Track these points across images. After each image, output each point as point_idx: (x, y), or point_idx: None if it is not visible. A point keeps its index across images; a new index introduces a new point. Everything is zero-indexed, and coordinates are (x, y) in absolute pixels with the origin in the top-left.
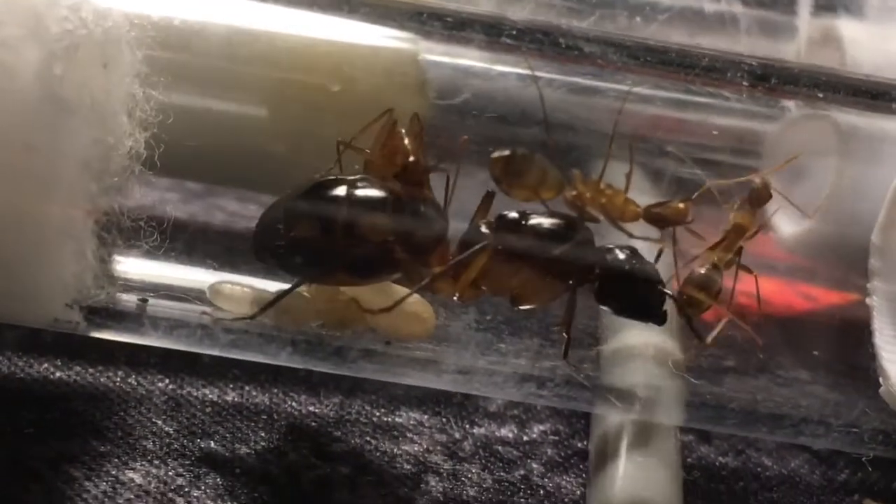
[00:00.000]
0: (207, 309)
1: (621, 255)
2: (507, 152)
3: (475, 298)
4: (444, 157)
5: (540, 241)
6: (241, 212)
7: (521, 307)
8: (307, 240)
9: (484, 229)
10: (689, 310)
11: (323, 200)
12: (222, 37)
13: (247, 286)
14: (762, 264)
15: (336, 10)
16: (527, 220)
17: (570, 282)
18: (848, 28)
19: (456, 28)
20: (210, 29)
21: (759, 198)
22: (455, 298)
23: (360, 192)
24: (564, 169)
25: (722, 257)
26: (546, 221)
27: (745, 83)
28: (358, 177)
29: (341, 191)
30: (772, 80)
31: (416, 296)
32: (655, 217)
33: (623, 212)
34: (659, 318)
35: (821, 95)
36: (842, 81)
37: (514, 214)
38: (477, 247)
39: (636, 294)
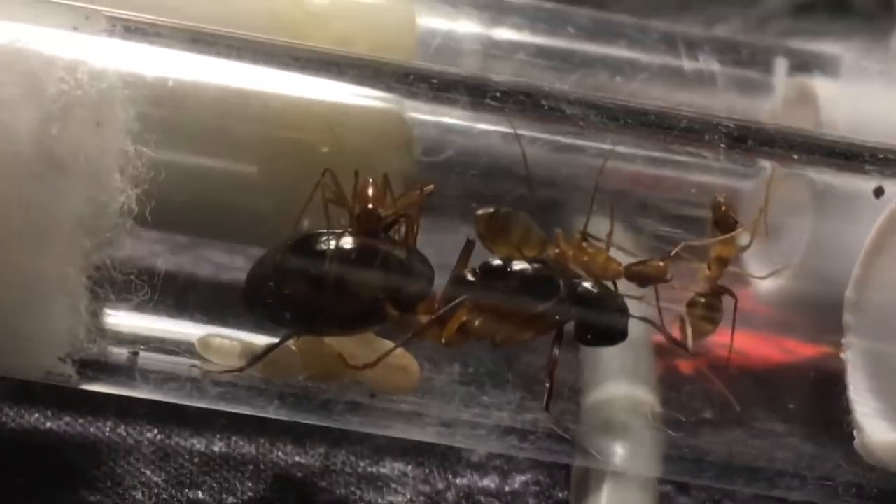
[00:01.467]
0: (196, 362)
1: (588, 287)
2: (491, 210)
3: (461, 343)
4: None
5: (522, 289)
6: (229, 264)
7: (503, 348)
8: (296, 293)
9: (469, 277)
10: (693, 334)
11: (311, 254)
12: (215, 97)
13: (235, 339)
14: (738, 318)
15: (326, 72)
16: (509, 269)
17: (552, 323)
18: (823, 88)
19: (441, 89)
20: (203, 89)
21: (724, 221)
22: (442, 344)
23: (347, 246)
24: (547, 225)
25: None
26: (527, 269)
27: (722, 145)
28: (346, 230)
29: (329, 244)
30: (748, 142)
31: (399, 349)
32: (636, 275)
33: (605, 270)
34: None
35: (796, 157)
36: (816, 143)
37: (496, 263)
38: (457, 301)
39: (605, 320)
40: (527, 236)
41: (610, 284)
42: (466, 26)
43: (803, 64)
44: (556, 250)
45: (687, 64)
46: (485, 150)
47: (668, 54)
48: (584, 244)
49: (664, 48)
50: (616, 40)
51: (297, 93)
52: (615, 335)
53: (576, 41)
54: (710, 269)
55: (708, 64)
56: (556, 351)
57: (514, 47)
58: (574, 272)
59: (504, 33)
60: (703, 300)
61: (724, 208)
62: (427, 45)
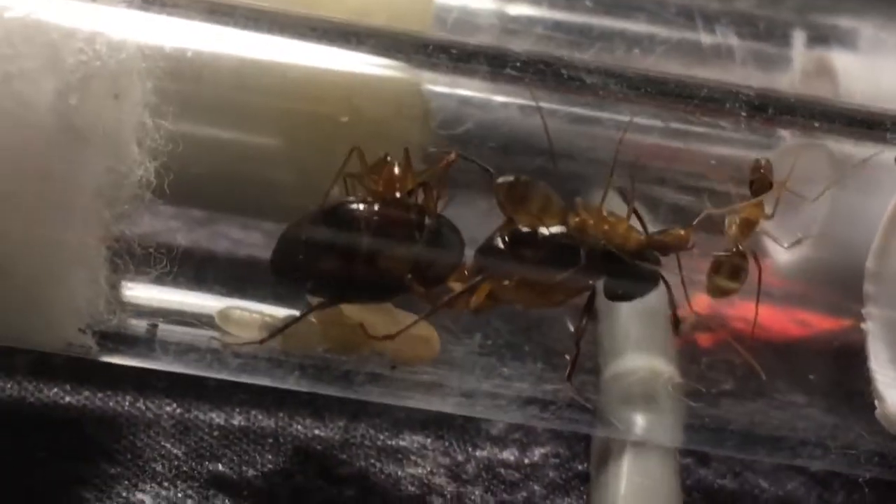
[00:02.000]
0: (216, 334)
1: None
2: (511, 178)
3: (490, 309)
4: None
5: (551, 254)
6: (245, 239)
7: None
8: (325, 262)
9: (498, 244)
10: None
11: (341, 224)
12: (232, 68)
13: (255, 311)
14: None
15: (344, 42)
16: (538, 234)
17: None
18: (841, 60)
19: (461, 60)
20: (221, 61)
21: (760, 183)
22: (470, 310)
23: (377, 216)
24: (566, 196)
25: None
26: (555, 234)
27: (742, 113)
28: (376, 200)
29: (359, 214)
30: (769, 111)
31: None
32: (658, 244)
33: (626, 239)
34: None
35: (817, 125)
36: (837, 111)
37: (525, 230)
38: (477, 279)
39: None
40: (547, 205)
41: None
42: (483, 1)
43: (821, 37)
44: (577, 219)
45: (704, 37)
46: (503, 123)
47: (685, 28)
48: (605, 213)
49: (682, 22)
50: (633, 14)
51: (314, 63)
52: (647, 283)
53: (593, 15)
54: (736, 229)
55: (725, 37)
56: (585, 320)
57: (531, 22)
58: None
59: (521, 8)
60: (728, 259)
61: (762, 170)
62: (443, 19)
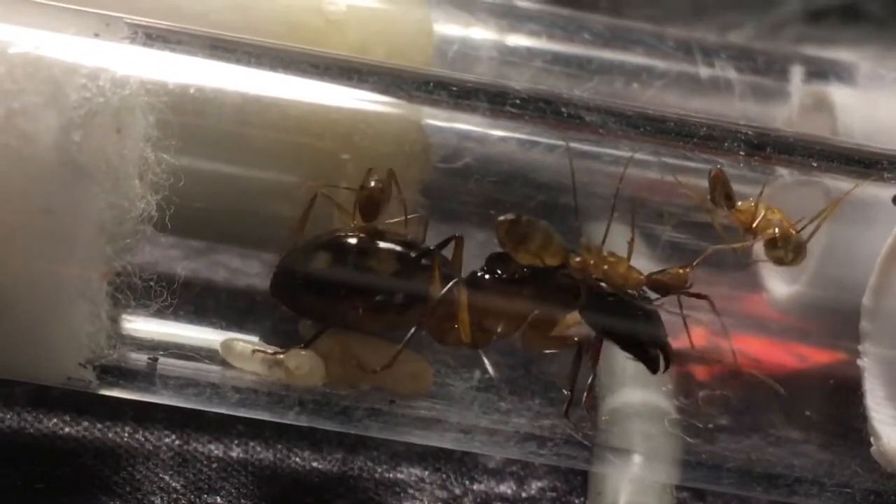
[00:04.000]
0: (216, 367)
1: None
2: (511, 217)
3: (487, 343)
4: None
5: (531, 276)
6: (244, 269)
7: (532, 350)
8: (320, 285)
9: (477, 271)
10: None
11: (337, 251)
12: (234, 104)
13: (258, 344)
14: (755, 325)
15: (345, 79)
16: (526, 273)
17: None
18: (839, 95)
19: (461, 97)
20: (223, 96)
21: (719, 191)
22: (466, 345)
23: (372, 245)
24: (567, 231)
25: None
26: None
27: (741, 152)
28: (373, 230)
29: (355, 243)
30: (767, 149)
31: (412, 355)
32: (657, 284)
33: (627, 279)
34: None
35: (815, 164)
36: (835, 150)
37: (502, 252)
38: (449, 284)
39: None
40: (547, 244)
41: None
42: (483, 33)
43: (819, 71)
44: (578, 259)
45: (703, 71)
46: (503, 158)
47: (684, 61)
48: (605, 253)
49: (680, 55)
50: (632, 47)
51: (316, 100)
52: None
53: (592, 48)
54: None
55: (724, 71)
56: (578, 363)
57: (530, 54)
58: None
59: (520, 40)
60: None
61: (716, 179)
62: (444, 52)
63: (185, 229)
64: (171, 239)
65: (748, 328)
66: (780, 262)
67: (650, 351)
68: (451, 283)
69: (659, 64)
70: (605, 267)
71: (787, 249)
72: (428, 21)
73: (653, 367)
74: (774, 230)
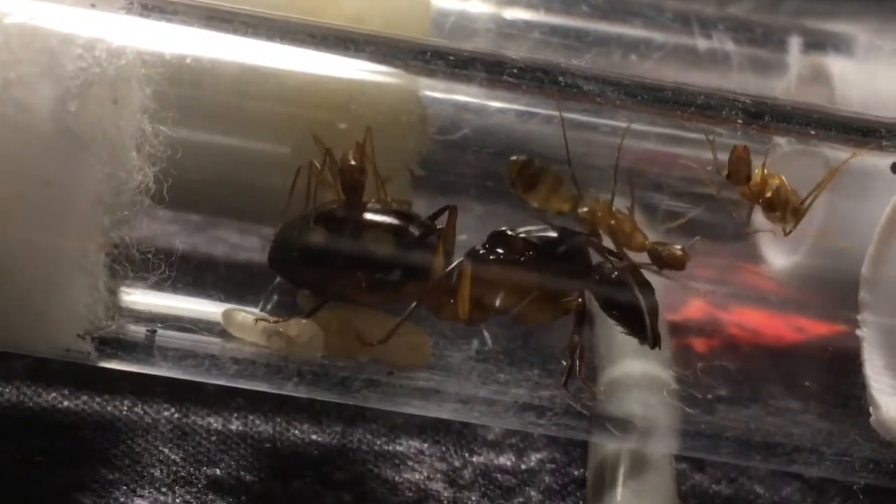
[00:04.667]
0: (215, 339)
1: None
2: (524, 158)
3: (483, 320)
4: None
5: (532, 255)
6: (243, 243)
7: (526, 325)
8: (314, 257)
9: (478, 248)
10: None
11: (332, 222)
12: (231, 74)
13: (259, 315)
14: (754, 297)
15: (343, 49)
16: (517, 234)
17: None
18: (837, 66)
19: (459, 66)
20: (219, 67)
21: (737, 171)
22: (463, 322)
23: (364, 216)
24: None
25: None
26: (538, 234)
27: (739, 121)
28: (370, 201)
29: (350, 214)
30: (765, 118)
31: (412, 327)
32: (656, 256)
33: (631, 239)
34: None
35: (812, 132)
36: (833, 119)
37: (505, 231)
38: (454, 264)
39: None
40: (557, 189)
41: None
42: (480, 5)
43: (817, 42)
44: (585, 209)
45: (701, 43)
46: (500, 129)
47: (682, 33)
48: (615, 209)
49: (678, 27)
50: (630, 19)
51: (313, 70)
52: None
53: (590, 20)
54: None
55: (722, 43)
56: (577, 335)
57: (528, 27)
58: (597, 247)
59: (518, 12)
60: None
61: (739, 158)
62: (440, 25)
63: (183, 202)
64: (169, 214)
65: (747, 300)
66: (778, 221)
67: (643, 325)
68: (456, 262)
69: (656, 36)
70: (612, 222)
71: (786, 211)
72: None
73: (646, 341)
74: (776, 193)
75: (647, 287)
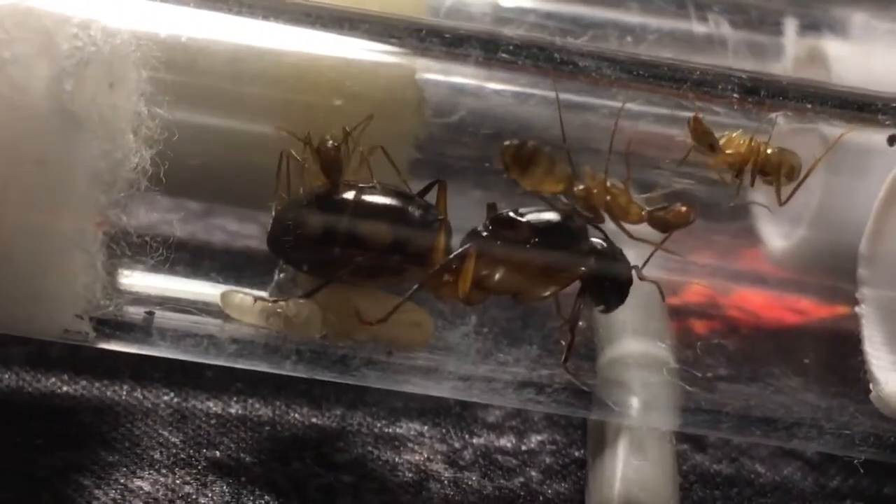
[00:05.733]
0: (214, 320)
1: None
2: (517, 142)
3: (482, 300)
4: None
5: (535, 238)
6: (241, 231)
7: (524, 303)
8: (313, 239)
9: (480, 230)
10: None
11: (329, 203)
12: (228, 53)
13: (258, 296)
14: (754, 278)
15: (338, 27)
16: (521, 217)
17: (574, 278)
18: (833, 47)
19: (454, 44)
20: (215, 46)
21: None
22: (461, 301)
23: (362, 198)
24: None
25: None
26: (541, 217)
27: (735, 95)
28: (367, 183)
29: (347, 195)
30: (761, 93)
31: (412, 305)
32: (659, 220)
33: (627, 212)
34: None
35: (809, 107)
36: (829, 94)
37: (508, 213)
38: (460, 249)
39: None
40: (551, 169)
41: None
42: None
43: (813, 24)
44: (581, 187)
45: (697, 26)
46: (497, 111)
47: (677, 17)
48: (609, 184)
49: (674, 10)
50: (626, 2)
51: (309, 49)
52: (615, 299)
53: (585, 4)
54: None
55: (718, 26)
56: (580, 305)
57: (523, 11)
58: (590, 221)
59: None
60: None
61: (695, 125)
62: (436, 9)
63: (179, 185)
64: (168, 202)
65: (746, 281)
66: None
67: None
68: (463, 247)
69: (652, 20)
70: (608, 197)
71: (779, 173)
72: None
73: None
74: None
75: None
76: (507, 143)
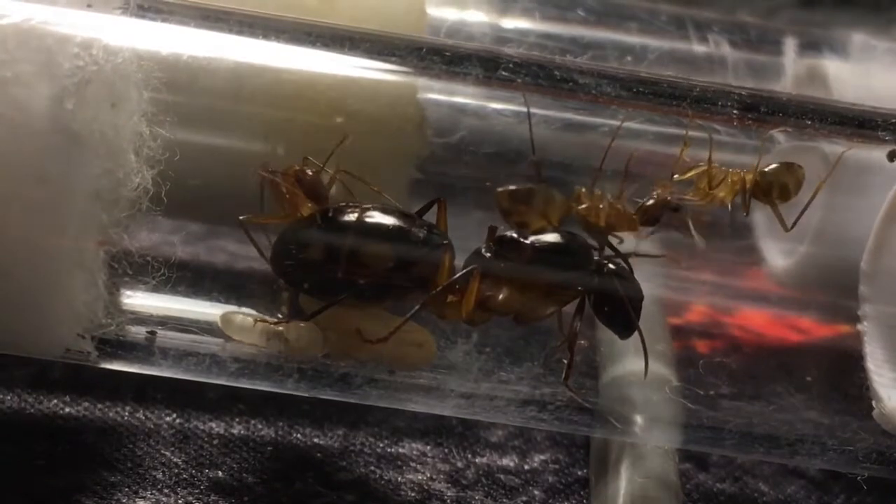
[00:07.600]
0: (216, 340)
1: (612, 268)
2: (511, 187)
3: (485, 321)
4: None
5: (540, 258)
6: (242, 252)
7: (525, 324)
8: (314, 262)
9: (484, 251)
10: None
11: (331, 225)
12: (229, 72)
13: (258, 317)
14: (756, 298)
15: (339, 46)
16: (525, 239)
17: (575, 297)
18: (833, 67)
19: (454, 63)
20: (216, 65)
21: None
22: (464, 322)
23: (365, 219)
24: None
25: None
26: (545, 238)
27: (735, 112)
28: (369, 204)
29: (349, 217)
30: (761, 110)
31: (415, 325)
32: (648, 214)
33: (621, 219)
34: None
35: (808, 123)
36: (829, 110)
37: (512, 234)
38: (464, 270)
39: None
40: (550, 202)
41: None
42: (475, 13)
43: (813, 43)
44: (583, 206)
45: (697, 46)
46: (498, 131)
47: (677, 37)
48: (600, 195)
49: (674, 31)
50: (626, 23)
51: (310, 68)
52: (627, 326)
53: (585, 24)
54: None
55: (718, 46)
56: (578, 323)
57: (523, 31)
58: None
59: (513, 16)
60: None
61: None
62: (436, 29)
63: (181, 206)
64: (170, 223)
65: (748, 300)
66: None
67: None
68: (466, 269)
69: (652, 41)
70: (602, 206)
71: (772, 196)
72: None
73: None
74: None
75: (630, 280)
76: (500, 190)
